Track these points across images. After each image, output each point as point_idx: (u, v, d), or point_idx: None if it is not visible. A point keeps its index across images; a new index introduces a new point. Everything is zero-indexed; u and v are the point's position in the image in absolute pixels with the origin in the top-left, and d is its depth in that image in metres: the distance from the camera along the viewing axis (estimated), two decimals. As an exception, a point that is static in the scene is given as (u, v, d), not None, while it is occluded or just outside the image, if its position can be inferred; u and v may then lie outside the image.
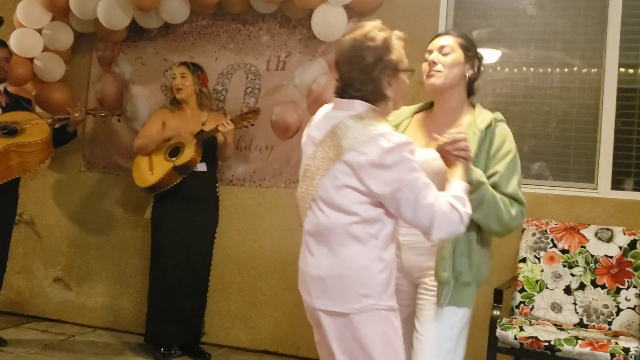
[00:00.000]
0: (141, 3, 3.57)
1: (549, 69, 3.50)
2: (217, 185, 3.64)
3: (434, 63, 2.04)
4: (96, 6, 3.69)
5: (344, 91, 1.77)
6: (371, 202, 1.71)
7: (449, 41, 2.07)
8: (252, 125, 3.54)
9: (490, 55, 3.60)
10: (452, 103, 2.10)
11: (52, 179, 4.24)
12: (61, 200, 4.23)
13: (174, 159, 3.37)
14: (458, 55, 2.06)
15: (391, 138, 1.66)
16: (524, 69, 3.55)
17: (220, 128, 3.35)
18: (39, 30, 3.93)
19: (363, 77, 1.72)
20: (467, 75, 2.08)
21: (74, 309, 4.14)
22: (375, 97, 1.75)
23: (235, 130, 3.50)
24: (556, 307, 3.07)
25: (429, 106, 2.20)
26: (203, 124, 3.49)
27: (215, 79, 3.90)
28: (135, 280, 4.01)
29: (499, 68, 3.61)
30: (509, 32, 3.61)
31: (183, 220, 3.45)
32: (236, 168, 3.88)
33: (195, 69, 3.55)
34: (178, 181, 3.39)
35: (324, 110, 1.87)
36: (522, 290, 3.13)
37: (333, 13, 3.47)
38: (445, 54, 2.05)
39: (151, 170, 3.43)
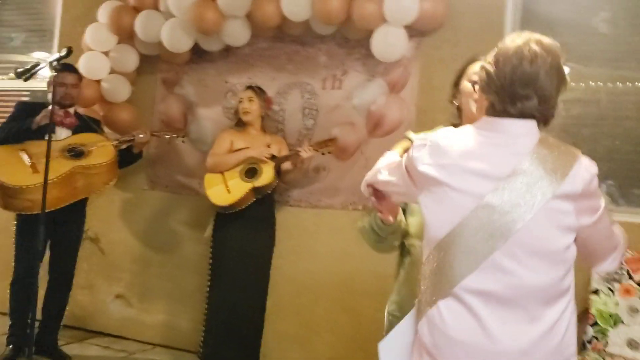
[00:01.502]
0: (204, 27, 3.63)
1: (623, 89, 3.31)
2: (275, 206, 3.64)
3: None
4: (160, 29, 3.79)
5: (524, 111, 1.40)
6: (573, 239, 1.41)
7: None
8: (330, 153, 3.55)
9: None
10: None
11: (116, 197, 4.35)
12: (125, 217, 4.33)
13: (252, 179, 3.42)
14: None
15: (585, 161, 1.42)
16: (596, 88, 3.37)
17: (301, 154, 3.41)
18: (106, 53, 4.06)
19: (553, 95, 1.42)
20: None
21: (135, 325, 4.22)
22: (551, 118, 1.45)
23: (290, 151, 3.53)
24: (633, 344, 2.86)
25: None
26: (268, 146, 3.53)
27: (273, 99, 3.91)
28: (193, 299, 4.04)
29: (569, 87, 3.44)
30: (579, 50, 3.44)
31: (244, 241, 3.47)
32: (293, 189, 3.86)
33: (262, 92, 3.61)
34: (252, 201, 3.43)
35: (473, 135, 1.43)
36: (595, 324, 2.94)
37: (394, 33, 3.41)
38: None
39: (228, 189, 3.46)
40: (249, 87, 3.63)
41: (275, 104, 3.90)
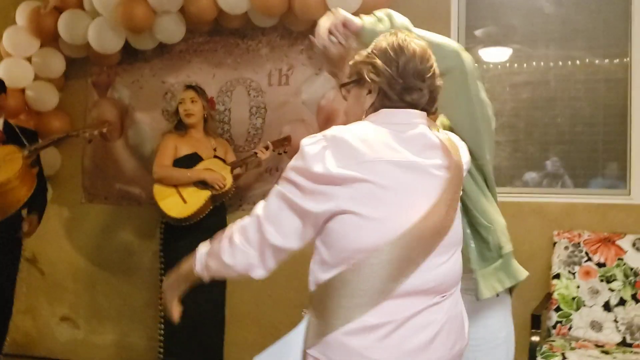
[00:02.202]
0: (134, 24, 3.40)
1: (571, 69, 3.29)
2: (226, 212, 3.47)
3: None
4: (86, 30, 3.52)
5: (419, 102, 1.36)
6: None
7: None
8: (285, 152, 3.41)
9: (502, 55, 3.41)
10: None
11: (52, 213, 4.05)
12: (63, 234, 4.07)
13: (208, 186, 3.23)
14: None
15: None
16: (544, 69, 3.34)
17: (259, 155, 3.29)
18: (29, 59, 3.76)
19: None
20: None
21: (84, 347, 4.00)
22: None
23: (240, 153, 3.43)
24: (596, 326, 2.87)
25: None
26: (214, 150, 3.34)
27: (215, 97, 3.71)
28: (144, 315, 3.84)
29: (514, 66, 3.41)
30: (525, 31, 3.40)
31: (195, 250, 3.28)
32: (245, 191, 3.69)
33: (203, 92, 3.39)
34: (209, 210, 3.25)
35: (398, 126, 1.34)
36: (558, 309, 2.93)
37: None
38: None
39: (183, 199, 3.25)
40: (190, 87, 3.38)
41: (219, 104, 3.71)
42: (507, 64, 3.43)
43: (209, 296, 3.33)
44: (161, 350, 3.42)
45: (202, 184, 3.26)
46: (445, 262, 1.33)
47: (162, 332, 3.40)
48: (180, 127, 3.37)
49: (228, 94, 3.71)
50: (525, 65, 3.38)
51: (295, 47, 3.60)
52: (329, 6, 3.20)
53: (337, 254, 1.31)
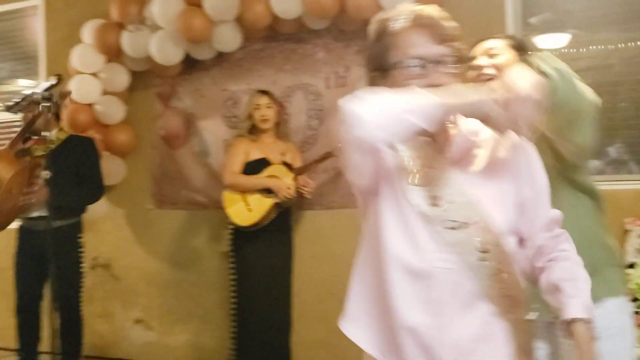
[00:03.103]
0: (193, 35, 3.51)
1: (635, 51, 3.19)
2: (291, 215, 3.53)
3: (482, 67, 1.80)
4: (148, 44, 3.66)
5: None
6: None
7: (497, 43, 1.85)
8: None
9: (560, 41, 3.34)
10: None
11: (123, 220, 4.24)
12: (134, 240, 4.22)
13: (273, 194, 3.30)
14: (510, 56, 1.82)
15: None
16: (606, 54, 3.25)
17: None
18: (96, 74, 3.93)
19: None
20: None
21: (158, 349, 4.12)
22: None
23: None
24: (674, 315, 2.76)
25: None
26: (283, 154, 3.41)
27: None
28: (215, 316, 3.94)
29: (573, 52, 3.32)
30: (585, 16, 3.31)
31: (265, 254, 3.36)
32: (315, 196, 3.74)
33: (275, 97, 3.47)
34: (275, 215, 3.32)
35: None
36: (635, 299, 2.84)
37: (391, 21, 3.29)
38: (493, 55, 1.82)
39: (248, 207, 3.34)
40: (265, 93, 3.45)
41: (278, 107, 3.79)
42: (566, 50, 3.35)
43: (277, 299, 3.40)
44: (233, 349, 3.51)
45: (267, 192, 3.32)
46: None
47: (235, 330, 3.48)
48: (252, 131, 3.45)
49: (288, 100, 3.77)
50: (584, 50, 3.29)
51: (350, 48, 3.62)
52: (381, 4, 3.23)
53: None
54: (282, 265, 3.44)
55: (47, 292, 3.38)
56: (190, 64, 3.89)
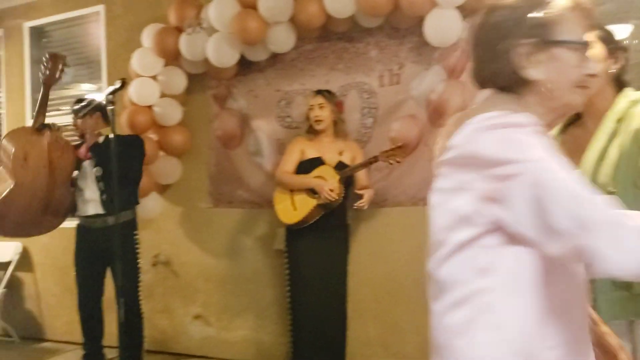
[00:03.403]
0: (248, 37, 3.56)
1: None
2: (347, 213, 3.54)
3: None
4: (205, 47, 3.74)
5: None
6: None
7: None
8: (399, 162, 3.31)
9: (622, 32, 3.21)
10: (603, 107, 1.76)
11: (182, 219, 4.36)
12: (193, 238, 4.33)
13: (317, 195, 3.32)
14: (600, 50, 1.73)
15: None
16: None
17: (333, 202, 3.29)
18: (154, 77, 4.05)
19: (486, 55, 1.17)
20: (611, 71, 1.75)
21: (216, 344, 4.22)
22: (504, 81, 1.15)
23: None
24: None
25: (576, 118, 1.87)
26: (340, 154, 3.42)
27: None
28: (271, 312, 4.01)
29: (635, 42, 3.20)
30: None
31: (319, 251, 3.38)
32: (356, 191, 3.75)
33: (332, 96, 3.46)
34: (320, 215, 3.34)
35: None
36: None
37: (447, 16, 3.25)
38: None
39: (294, 206, 3.39)
40: (319, 93, 3.45)
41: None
42: (628, 42, 3.23)
43: (332, 296, 3.42)
44: (291, 345, 3.54)
45: (312, 192, 3.34)
46: None
47: (291, 326, 3.53)
48: (310, 131, 3.48)
49: (342, 99, 3.79)
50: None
51: (404, 45, 3.61)
52: (435, 0, 3.21)
53: None
54: (337, 262, 3.44)
55: (110, 288, 3.54)
56: (245, 66, 3.96)
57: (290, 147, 3.51)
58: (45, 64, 3.44)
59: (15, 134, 3.43)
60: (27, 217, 3.40)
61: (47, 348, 4.64)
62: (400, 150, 3.27)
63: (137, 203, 3.69)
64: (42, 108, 3.41)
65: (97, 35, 4.69)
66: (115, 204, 3.06)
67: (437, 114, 3.50)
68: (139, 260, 3.59)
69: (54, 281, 4.77)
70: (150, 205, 4.16)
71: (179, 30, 3.89)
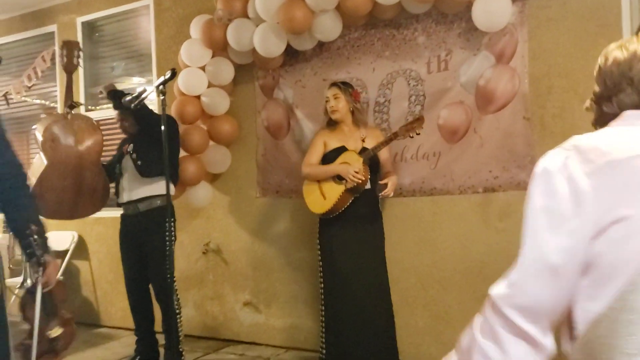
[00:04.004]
0: (295, 26, 3.57)
1: None
2: (378, 199, 3.49)
3: None
4: (252, 37, 3.77)
5: None
6: None
7: None
8: (419, 134, 3.33)
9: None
10: None
11: (232, 208, 4.43)
12: (242, 226, 4.40)
13: (343, 181, 3.33)
14: None
15: None
16: None
17: (349, 182, 3.29)
18: (203, 68, 4.12)
19: None
20: None
21: (265, 330, 4.29)
22: None
23: (400, 140, 3.39)
24: None
25: None
26: (363, 140, 3.42)
27: (376, 90, 3.80)
28: (318, 300, 4.03)
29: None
30: None
31: (351, 239, 3.38)
32: (403, 179, 3.73)
33: (346, 87, 3.48)
34: (350, 201, 3.34)
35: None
36: None
37: (496, 1, 3.19)
38: None
39: (323, 195, 3.42)
40: (333, 84, 3.51)
41: (380, 96, 3.79)
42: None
43: (373, 280, 3.39)
44: (322, 334, 3.52)
45: (339, 178, 3.35)
46: None
47: (323, 315, 3.52)
48: (331, 122, 3.52)
49: (389, 87, 3.76)
50: None
51: (452, 31, 3.55)
52: (486, -15, 3.15)
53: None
54: (372, 250, 3.41)
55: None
56: (291, 55, 3.99)
57: (313, 140, 3.58)
58: (61, 51, 3.62)
59: (44, 120, 3.69)
60: (64, 197, 3.57)
61: (104, 333, 4.82)
62: (418, 122, 3.29)
63: (173, 187, 3.65)
64: (68, 93, 3.62)
65: (147, 28, 4.80)
66: (145, 191, 3.34)
67: (485, 100, 3.44)
68: (168, 249, 3.33)
69: (109, 269, 4.94)
70: (200, 194, 4.25)
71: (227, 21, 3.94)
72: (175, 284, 3.46)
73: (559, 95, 3.31)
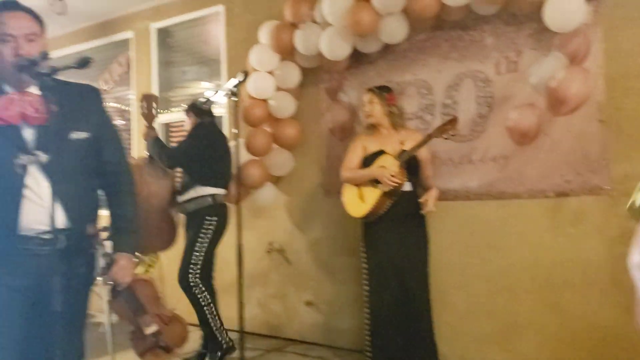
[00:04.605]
0: (361, 29, 3.60)
1: None
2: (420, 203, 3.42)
3: None
4: (318, 41, 3.83)
5: None
6: None
7: None
8: (453, 135, 3.30)
9: None
10: None
11: (296, 208, 4.50)
12: (305, 227, 4.46)
13: (380, 184, 3.32)
14: None
15: None
16: None
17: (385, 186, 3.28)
18: (271, 72, 4.21)
19: None
20: None
21: (327, 331, 4.31)
22: None
23: (463, 143, 3.37)
24: None
25: None
26: (402, 143, 3.40)
27: (443, 92, 3.77)
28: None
29: None
30: None
31: (393, 242, 3.36)
32: (470, 182, 3.68)
33: (381, 91, 3.50)
34: (389, 204, 3.33)
35: None
36: None
37: (569, 0, 3.10)
38: None
39: (362, 199, 3.43)
40: (369, 90, 3.54)
41: (447, 98, 3.75)
42: None
43: (413, 283, 3.34)
44: (367, 337, 3.51)
45: (376, 182, 3.34)
46: None
47: (367, 318, 3.50)
48: (370, 127, 3.55)
49: (456, 88, 3.72)
50: None
51: (522, 31, 3.48)
52: (558, -17, 3.07)
53: None
54: (415, 253, 3.37)
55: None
56: (356, 58, 4.01)
57: (352, 145, 3.60)
58: (141, 103, 3.87)
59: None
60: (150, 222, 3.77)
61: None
62: (452, 123, 3.25)
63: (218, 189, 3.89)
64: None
65: (217, 34, 4.95)
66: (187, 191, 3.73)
67: (557, 102, 3.34)
68: (198, 245, 3.76)
69: (176, 264, 5.09)
70: (264, 195, 4.34)
71: (294, 26, 4.02)
72: (197, 276, 3.74)
73: (637, 97, 3.18)
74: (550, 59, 3.38)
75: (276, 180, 4.48)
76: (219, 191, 3.84)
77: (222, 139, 3.97)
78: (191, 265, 3.76)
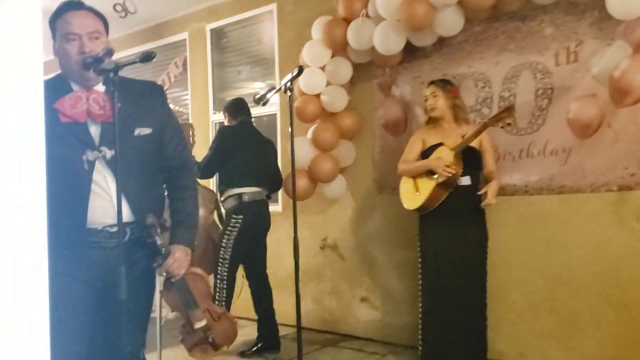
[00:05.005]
0: (415, 23, 3.56)
1: None
2: (481, 197, 3.36)
3: None
4: (371, 35, 3.82)
5: None
6: None
7: None
8: (509, 124, 3.28)
9: None
10: None
11: (349, 204, 4.50)
12: (359, 223, 4.46)
13: (435, 176, 3.29)
14: None
15: None
16: None
17: (440, 176, 3.26)
18: (322, 68, 4.22)
19: None
20: None
21: (382, 328, 4.30)
22: None
23: (522, 136, 3.33)
24: None
25: None
26: (462, 137, 3.34)
27: (500, 85, 3.69)
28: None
29: None
30: None
31: (450, 237, 3.32)
32: (529, 176, 3.59)
33: (445, 84, 3.47)
34: (445, 197, 3.28)
35: None
36: None
37: (634, -14, 2.98)
38: None
39: (417, 191, 3.41)
40: (432, 83, 3.51)
41: (505, 90, 3.68)
42: None
43: (469, 278, 3.30)
44: (420, 332, 3.49)
45: (432, 173, 3.30)
46: None
47: (421, 312, 3.48)
48: (430, 120, 3.52)
49: (514, 80, 3.64)
50: None
51: (583, 20, 3.37)
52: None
53: None
54: (472, 248, 3.32)
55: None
56: (409, 52, 3.98)
57: (412, 139, 3.58)
58: (189, 133, 3.96)
59: None
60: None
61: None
62: (509, 111, 3.20)
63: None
64: None
65: (270, 33, 5.00)
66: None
67: (621, 93, 3.22)
68: (225, 241, 3.95)
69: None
70: (335, 188, 4.39)
71: (347, 21, 4.02)
72: (224, 271, 3.93)
73: None
74: (613, 48, 3.26)
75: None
76: (246, 190, 3.97)
77: (251, 138, 4.06)
78: (220, 260, 3.95)
